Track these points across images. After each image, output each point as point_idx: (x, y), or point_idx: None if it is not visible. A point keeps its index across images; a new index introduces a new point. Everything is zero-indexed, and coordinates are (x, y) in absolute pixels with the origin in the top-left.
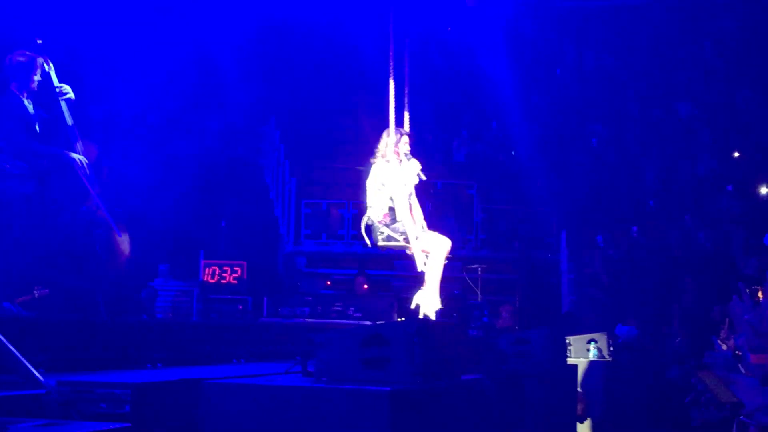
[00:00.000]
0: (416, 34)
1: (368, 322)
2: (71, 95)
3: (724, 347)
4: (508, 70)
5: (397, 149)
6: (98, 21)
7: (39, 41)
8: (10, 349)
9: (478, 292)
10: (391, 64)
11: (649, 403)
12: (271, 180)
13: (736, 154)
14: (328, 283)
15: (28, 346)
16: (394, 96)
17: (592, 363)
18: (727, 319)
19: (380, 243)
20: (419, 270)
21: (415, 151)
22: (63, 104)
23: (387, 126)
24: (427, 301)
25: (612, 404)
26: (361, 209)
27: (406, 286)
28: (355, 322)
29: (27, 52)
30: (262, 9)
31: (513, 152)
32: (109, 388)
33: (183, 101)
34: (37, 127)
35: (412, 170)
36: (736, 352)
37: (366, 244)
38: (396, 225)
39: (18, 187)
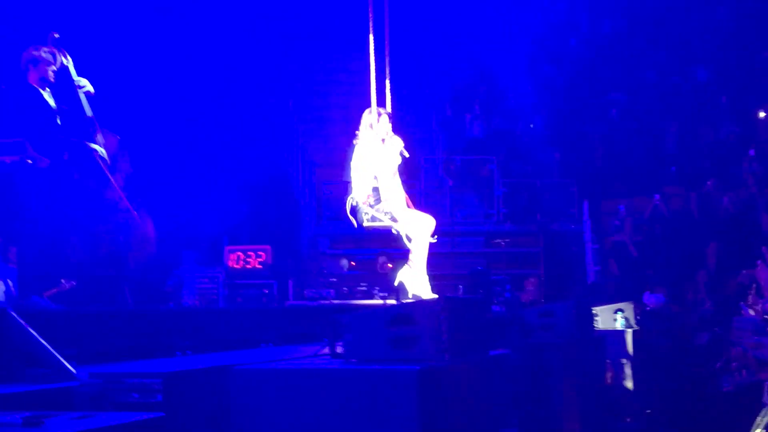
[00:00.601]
0: (427, 11)
1: (393, 301)
2: (90, 88)
3: (752, 312)
4: (522, 42)
5: (378, 129)
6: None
7: (56, 35)
8: (41, 342)
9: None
10: (371, 40)
11: (678, 371)
12: (291, 164)
13: (762, 114)
14: (352, 263)
15: (59, 339)
16: (375, 74)
17: (619, 332)
18: (754, 284)
19: (365, 224)
20: (407, 246)
21: (433, 128)
22: (82, 97)
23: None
24: (417, 284)
25: (641, 373)
26: None
27: (431, 263)
28: (381, 301)
29: (44, 47)
30: None
31: (531, 125)
32: (140, 378)
33: (202, 87)
34: (58, 120)
35: (395, 149)
36: (765, 316)
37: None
38: (380, 205)
39: (41, 181)
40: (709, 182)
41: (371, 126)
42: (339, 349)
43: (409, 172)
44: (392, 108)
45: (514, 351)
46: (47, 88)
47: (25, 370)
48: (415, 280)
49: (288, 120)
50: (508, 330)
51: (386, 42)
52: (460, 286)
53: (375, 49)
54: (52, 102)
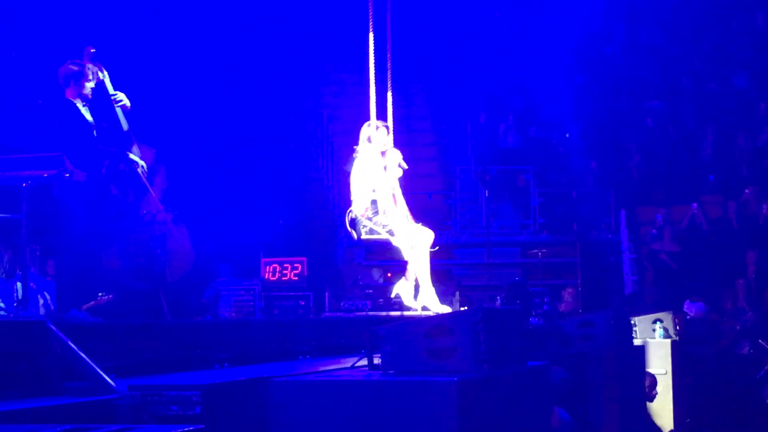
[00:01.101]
0: (461, 21)
1: (430, 312)
2: (126, 102)
3: None
4: (557, 51)
5: (376, 142)
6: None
7: (92, 50)
8: (81, 355)
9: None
10: (371, 51)
11: (719, 381)
12: (326, 175)
13: None
14: (389, 275)
15: (98, 352)
16: (374, 88)
17: (658, 343)
18: None
19: (364, 236)
20: (405, 258)
21: (468, 139)
22: (119, 111)
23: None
24: (425, 301)
25: (681, 383)
26: (417, 199)
27: (467, 274)
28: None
29: (80, 61)
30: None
31: (567, 134)
32: (179, 390)
33: (238, 101)
34: (94, 133)
35: (394, 161)
36: None
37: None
38: (378, 218)
39: (79, 194)
40: (747, 190)
41: (369, 139)
42: (377, 361)
43: (444, 183)
44: (428, 118)
45: (553, 362)
46: (84, 103)
47: (64, 383)
48: (410, 292)
49: (322, 132)
50: (547, 341)
51: (386, 52)
52: (498, 297)
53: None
54: (89, 116)
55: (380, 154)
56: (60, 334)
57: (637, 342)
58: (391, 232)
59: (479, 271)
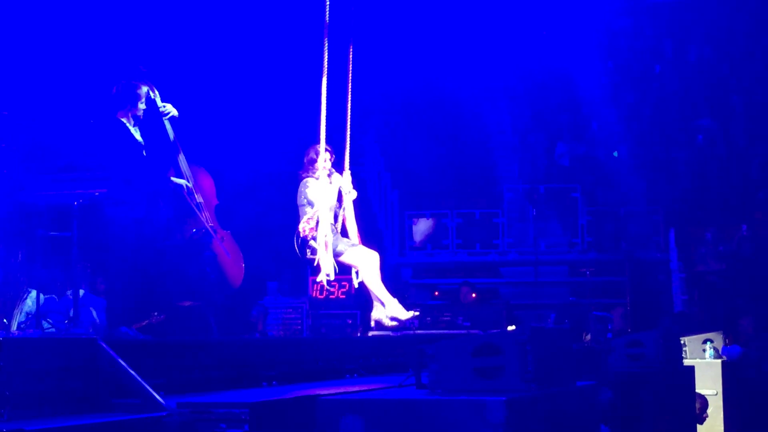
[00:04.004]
0: (510, 37)
1: (477, 331)
2: (174, 113)
3: None
4: (606, 69)
5: (316, 166)
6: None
7: (143, 69)
8: (130, 373)
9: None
10: (324, 68)
11: None
12: (373, 193)
13: None
14: (436, 293)
15: (147, 369)
16: (325, 111)
17: (708, 363)
18: None
19: (308, 256)
20: (320, 280)
21: (516, 157)
22: (166, 122)
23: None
24: (389, 312)
25: (732, 404)
26: (464, 218)
27: (514, 293)
28: (464, 331)
29: (132, 81)
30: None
31: (615, 153)
32: (228, 408)
33: (281, 119)
34: (144, 153)
35: (340, 185)
36: None
37: (470, 252)
38: (322, 238)
39: (128, 213)
40: None
41: (311, 162)
42: (424, 380)
43: (491, 201)
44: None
45: (603, 381)
46: (135, 123)
47: (114, 400)
48: (388, 312)
49: (371, 150)
50: (598, 361)
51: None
52: (551, 316)
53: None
54: (138, 136)
55: (325, 177)
56: (110, 351)
57: (686, 362)
58: (336, 254)
59: (527, 289)
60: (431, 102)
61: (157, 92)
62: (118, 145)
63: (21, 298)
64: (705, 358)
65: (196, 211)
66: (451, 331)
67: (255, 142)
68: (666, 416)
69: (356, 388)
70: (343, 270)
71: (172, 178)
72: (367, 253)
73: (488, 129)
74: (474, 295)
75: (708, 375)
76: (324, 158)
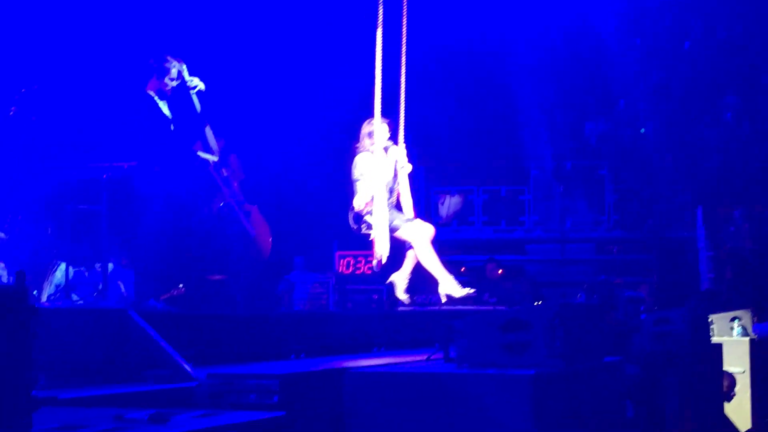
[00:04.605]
0: (538, 14)
1: (503, 308)
2: (201, 86)
3: None
4: (634, 47)
5: (373, 140)
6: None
7: (172, 44)
8: (161, 344)
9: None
10: (378, 47)
11: None
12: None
13: None
14: (462, 269)
15: (176, 341)
16: (380, 82)
17: (736, 341)
18: None
19: (364, 231)
20: (377, 257)
21: (542, 134)
22: (194, 97)
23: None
24: (444, 289)
25: (760, 383)
26: (490, 194)
27: (540, 271)
28: (490, 307)
29: (162, 56)
30: None
31: (642, 130)
32: (257, 380)
33: (310, 90)
34: (172, 127)
35: (395, 158)
36: None
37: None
38: (378, 212)
39: (157, 187)
40: None
41: (370, 135)
42: (452, 354)
43: (517, 178)
44: (500, 114)
45: (630, 358)
46: (163, 98)
47: (144, 371)
48: (403, 284)
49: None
50: (625, 337)
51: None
52: (580, 294)
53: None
54: (166, 111)
55: (382, 151)
56: (141, 322)
57: (714, 340)
58: (392, 229)
59: (552, 267)
60: (458, 78)
61: (184, 66)
62: (147, 119)
63: (50, 270)
64: (733, 336)
65: (223, 185)
66: (477, 308)
67: (282, 117)
68: (693, 394)
69: (384, 362)
70: (368, 245)
71: (199, 153)
72: (423, 227)
73: (515, 106)
74: (500, 271)
75: (736, 353)
76: (381, 131)
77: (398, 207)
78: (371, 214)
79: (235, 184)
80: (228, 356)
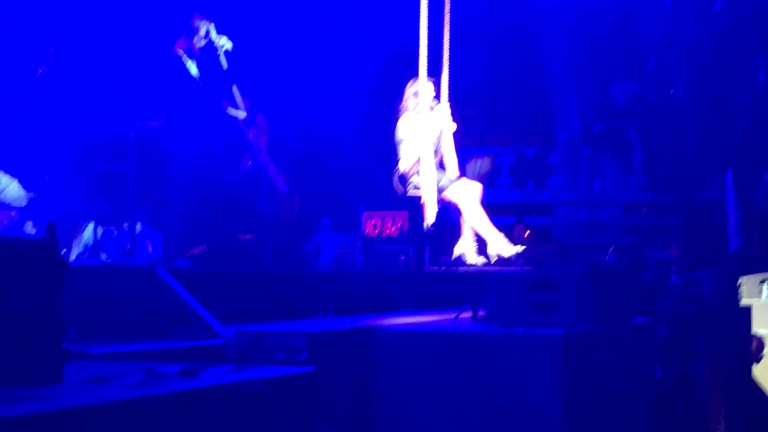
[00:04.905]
0: None
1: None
2: (229, 46)
3: None
4: (663, 7)
5: (419, 99)
6: None
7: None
8: (189, 301)
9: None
10: (423, 4)
11: None
12: None
13: None
14: None
15: (205, 298)
16: (425, 40)
17: (766, 303)
18: None
19: (410, 192)
20: (428, 223)
21: (571, 95)
22: (222, 56)
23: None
24: (494, 248)
25: None
26: (517, 156)
27: (567, 233)
28: (518, 269)
29: (191, 16)
30: None
31: (672, 91)
32: (285, 338)
33: (336, 57)
34: (200, 86)
35: (441, 118)
36: None
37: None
38: (425, 173)
39: (185, 146)
40: None
41: (415, 95)
42: (480, 313)
43: (544, 141)
44: (528, 76)
45: (659, 319)
46: (191, 58)
47: (173, 328)
48: (472, 248)
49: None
50: (655, 299)
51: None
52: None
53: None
54: (194, 70)
55: (428, 110)
56: (170, 279)
57: (743, 302)
58: (439, 189)
59: (581, 230)
60: (485, 38)
61: (212, 25)
62: (175, 78)
63: (79, 230)
64: (762, 299)
65: (252, 143)
66: (504, 269)
67: (309, 77)
68: (720, 356)
69: (412, 321)
70: (396, 206)
71: (228, 109)
72: (470, 186)
73: (544, 67)
74: (528, 233)
75: (765, 316)
76: (426, 91)
77: (441, 167)
78: (418, 175)
79: (263, 144)
80: (256, 314)
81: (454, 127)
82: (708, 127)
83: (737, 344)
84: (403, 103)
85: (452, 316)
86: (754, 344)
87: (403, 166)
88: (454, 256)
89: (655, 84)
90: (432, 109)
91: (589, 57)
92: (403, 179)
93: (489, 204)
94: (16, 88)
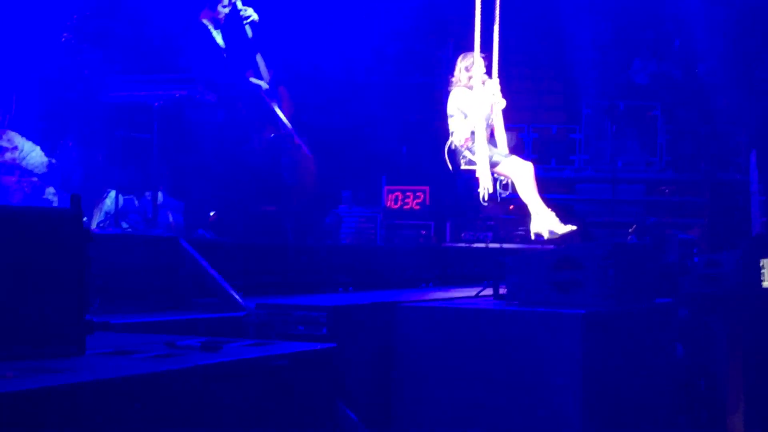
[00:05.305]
0: None
1: (552, 247)
2: (255, 17)
3: None
4: None
5: (471, 74)
6: None
7: None
8: (211, 273)
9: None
10: None
11: None
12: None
13: None
14: (511, 207)
15: (227, 270)
16: (479, 14)
17: None
18: None
19: (462, 167)
20: (481, 198)
21: (595, 73)
22: (247, 27)
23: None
24: (545, 225)
25: None
26: (541, 133)
27: (589, 211)
28: (539, 246)
29: None
30: None
31: (697, 70)
32: (306, 311)
33: (358, 28)
34: (224, 56)
35: (491, 92)
36: None
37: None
38: (477, 148)
39: (209, 116)
40: None
41: (467, 69)
42: (502, 291)
43: (569, 117)
44: (552, 52)
45: (681, 300)
46: (217, 27)
47: (194, 299)
48: (544, 224)
49: (447, 62)
50: (677, 280)
51: None
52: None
53: None
54: (220, 40)
55: (480, 85)
56: (192, 250)
57: (765, 285)
58: (491, 164)
59: (603, 207)
60: (510, 13)
61: None
62: (200, 47)
63: (101, 198)
64: None
65: (276, 113)
66: (525, 246)
67: (333, 50)
68: (741, 337)
69: (434, 297)
70: (416, 180)
71: (251, 79)
72: (522, 163)
73: (568, 43)
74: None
75: None
76: (479, 65)
77: (492, 142)
78: (470, 151)
79: (285, 116)
80: (276, 287)
81: (504, 103)
82: (733, 108)
83: (758, 326)
84: (455, 77)
85: (473, 292)
86: None
87: (456, 140)
88: (532, 236)
89: (681, 63)
90: (484, 83)
91: (615, 34)
92: (455, 153)
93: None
94: (40, 54)
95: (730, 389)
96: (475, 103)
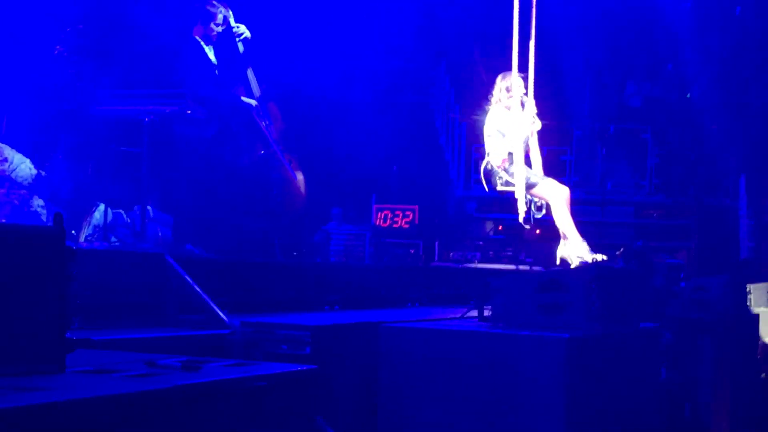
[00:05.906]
0: None
1: (540, 268)
2: (247, 34)
3: None
4: (684, 10)
5: (511, 94)
6: None
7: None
8: (197, 289)
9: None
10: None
11: None
12: (441, 124)
13: None
14: (500, 228)
15: (212, 287)
16: (517, 34)
17: None
18: None
19: (499, 188)
20: (520, 220)
21: (587, 95)
22: (240, 44)
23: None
24: (575, 251)
25: None
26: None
27: (579, 232)
28: (527, 267)
29: (209, 1)
30: None
31: (688, 95)
32: (290, 330)
33: (352, 46)
34: (216, 72)
35: (529, 114)
36: None
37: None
38: (513, 170)
39: (199, 132)
40: None
41: (507, 89)
42: (487, 312)
43: (559, 139)
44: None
45: (666, 325)
46: (209, 43)
47: (179, 316)
48: (574, 251)
49: (440, 82)
50: (663, 304)
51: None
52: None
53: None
54: (212, 56)
55: (519, 106)
56: (177, 267)
57: (753, 310)
58: (528, 185)
59: (592, 228)
60: (504, 35)
61: (230, 12)
62: (192, 63)
63: (89, 211)
64: None
65: (265, 131)
66: (513, 266)
67: (324, 67)
68: (727, 363)
69: (419, 318)
70: (406, 199)
71: (243, 98)
72: (558, 186)
73: (561, 65)
74: (538, 231)
75: None
76: (518, 85)
77: (527, 164)
78: (507, 172)
79: (275, 132)
80: (262, 304)
81: (540, 124)
82: (723, 132)
83: (745, 352)
84: (494, 96)
85: (458, 313)
86: (762, 353)
87: (494, 161)
88: (558, 261)
89: (673, 86)
90: (523, 105)
91: (607, 57)
92: (491, 174)
93: (501, 199)
94: (32, 67)
95: (715, 414)
96: (514, 123)
